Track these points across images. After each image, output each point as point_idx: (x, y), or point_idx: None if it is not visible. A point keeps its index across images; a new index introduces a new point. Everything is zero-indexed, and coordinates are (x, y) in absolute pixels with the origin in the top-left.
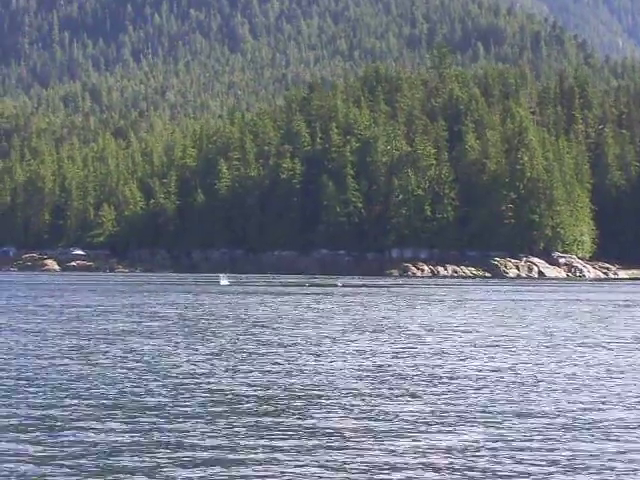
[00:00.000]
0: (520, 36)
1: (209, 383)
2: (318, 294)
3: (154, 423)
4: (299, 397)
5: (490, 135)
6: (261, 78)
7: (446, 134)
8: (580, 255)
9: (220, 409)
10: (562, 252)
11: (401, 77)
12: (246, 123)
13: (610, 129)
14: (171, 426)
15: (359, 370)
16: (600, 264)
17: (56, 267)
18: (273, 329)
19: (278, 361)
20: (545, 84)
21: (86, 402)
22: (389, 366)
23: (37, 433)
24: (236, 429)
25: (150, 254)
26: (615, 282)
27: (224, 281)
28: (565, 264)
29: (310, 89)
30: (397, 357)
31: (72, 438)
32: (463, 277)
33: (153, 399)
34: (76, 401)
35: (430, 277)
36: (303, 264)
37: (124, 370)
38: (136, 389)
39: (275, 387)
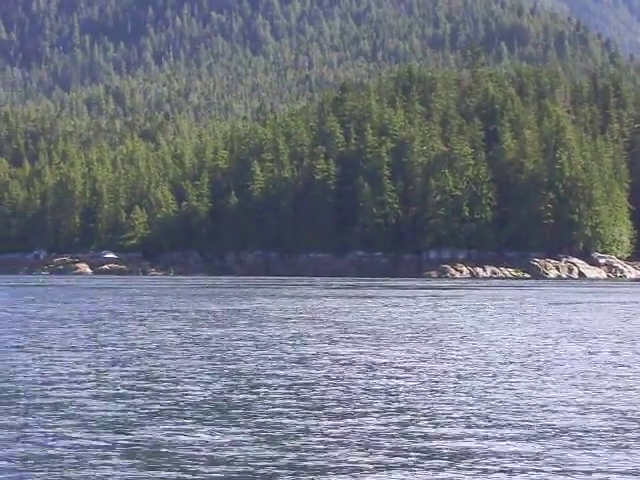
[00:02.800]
0: (544, 36)
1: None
2: (443, 295)
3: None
4: None
5: (527, 134)
6: (284, 80)
7: (482, 134)
8: (619, 255)
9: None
10: (602, 252)
11: (435, 77)
12: (278, 124)
13: None
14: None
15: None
16: None
17: (88, 270)
18: (459, 334)
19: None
20: (577, 83)
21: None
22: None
23: None
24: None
25: (183, 257)
26: None
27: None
28: (605, 264)
29: (342, 90)
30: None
31: None
32: (503, 278)
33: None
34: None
35: (469, 278)
36: (339, 266)
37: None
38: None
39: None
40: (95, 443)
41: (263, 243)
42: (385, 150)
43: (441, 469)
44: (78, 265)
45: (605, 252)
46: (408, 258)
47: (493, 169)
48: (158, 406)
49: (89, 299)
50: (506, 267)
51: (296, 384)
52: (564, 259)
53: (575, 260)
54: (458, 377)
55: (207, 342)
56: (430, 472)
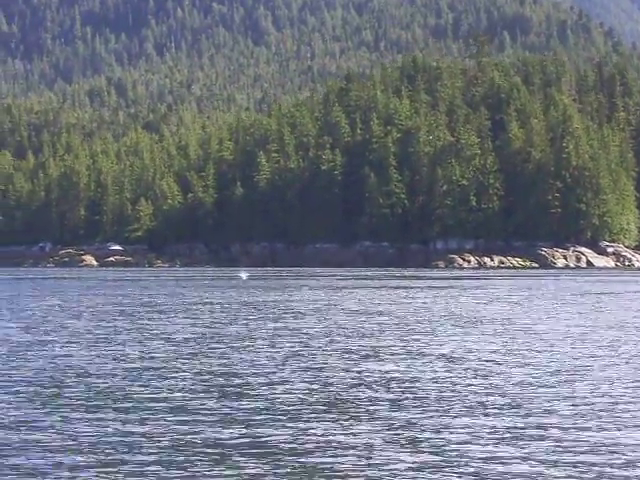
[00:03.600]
0: (546, 25)
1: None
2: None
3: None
4: None
5: (534, 124)
6: (286, 70)
7: (488, 123)
8: (627, 244)
9: None
10: (609, 241)
11: (440, 66)
12: (283, 115)
13: None
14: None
15: None
16: None
17: (94, 263)
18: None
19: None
20: (582, 72)
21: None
22: None
23: None
24: None
25: (188, 248)
26: None
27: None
28: (613, 253)
29: (347, 80)
30: None
31: None
32: (510, 268)
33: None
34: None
35: (477, 268)
36: (345, 257)
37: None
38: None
39: None
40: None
41: (269, 234)
42: (391, 140)
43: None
44: (84, 257)
45: (613, 241)
46: (415, 248)
47: (500, 158)
48: (262, 403)
49: (136, 291)
50: (513, 257)
51: (395, 378)
52: (572, 248)
53: (583, 249)
54: (556, 370)
55: (276, 335)
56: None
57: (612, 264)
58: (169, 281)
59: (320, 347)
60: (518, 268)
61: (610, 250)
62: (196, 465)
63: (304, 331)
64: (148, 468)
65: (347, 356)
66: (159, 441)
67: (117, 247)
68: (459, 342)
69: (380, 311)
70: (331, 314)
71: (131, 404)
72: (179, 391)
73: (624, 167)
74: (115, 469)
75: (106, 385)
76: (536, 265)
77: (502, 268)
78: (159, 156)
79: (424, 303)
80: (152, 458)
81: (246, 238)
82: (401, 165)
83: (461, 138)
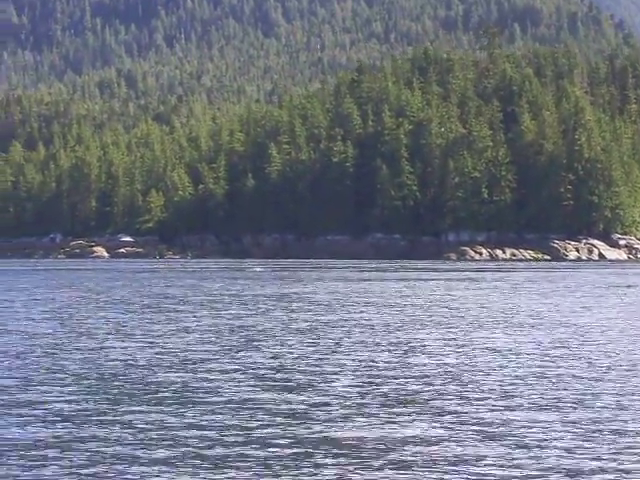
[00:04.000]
0: (557, 17)
1: None
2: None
3: None
4: None
5: (546, 116)
6: (296, 62)
7: (500, 115)
8: (639, 236)
9: None
10: (621, 234)
11: (452, 58)
12: (294, 106)
13: None
14: None
15: None
16: None
17: (105, 254)
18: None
19: None
20: (593, 64)
21: None
22: None
23: None
24: None
25: (199, 240)
26: None
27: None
28: (625, 246)
29: (359, 71)
30: None
31: None
32: (522, 260)
33: None
34: None
35: (489, 261)
36: (357, 249)
37: None
38: None
39: None
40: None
41: (280, 226)
42: (403, 132)
43: None
44: (95, 249)
45: (625, 233)
46: (427, 240)
47: (512, 151)
48: (324, 397)
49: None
50: (525, 249)
51: (459, 372)
52: (584, 241)
53: (595, 242)
54: (615, 364)
55: (326, 327)
56: None
57: (624, 257)
58: (186, 273)
59: (376, 340)
60: (530, 260)
61: (622, 242)
62: (273, 462)
63: (351, 323)
64: (226, 463)
65: (405, 349)
66: (232, 436)
67: (128, 238)
68: (512, 335)
69: (424, 303)
70: (380, 307)
71: (192, 398)
72: (239, 385)
73: (636, 159)
74: (191, 467)
75: (165, 378)
76: (548, 257)
77: (514, 260)
78: (170, 147)
79: (464, 296)
80: (228, 453)
81: (257, 230)
82: (413, 157)
83: (473, 130)
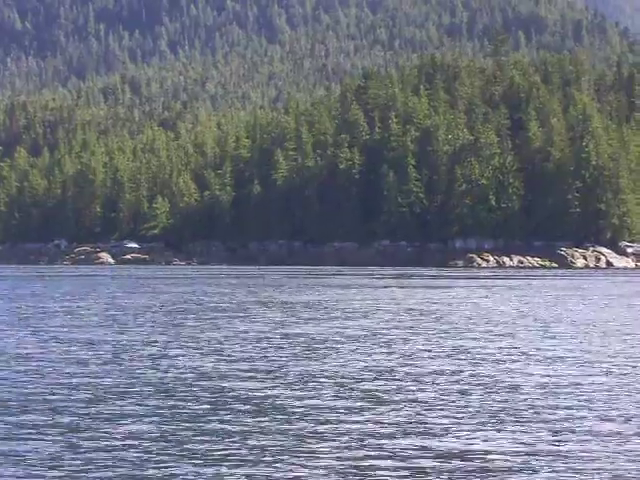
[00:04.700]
0: (561, 24)
1: None
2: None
3: None
4: None
5: (554, 123)
6: (301, 69)
7: (508, 122)
8: None
9: None
10: (629, 241)
11: (459, 65)
12: (301, 113)
13: None
14: None
15: None
16: None
17: (110, 260)
18: None
19: None
20: (600, 71)
21: None
22: None
23: None
24: None
25: (205, 246)
26: None
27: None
28: (633, 253)
29: (365, 78)
30: None
31: None
32: (530, 268)
33: None
34: None
35: (497, 268)
36: (364, 256)
37: None
38: None
39: None
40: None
41: (287, 232)
42: (410, 138)
43: None
44: (100, 255)
45: (632, 241)
46: (434, 247)
47: (519, 158)
48: (402, 412)
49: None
50: (533, 256)
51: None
52: (591, 248)
53: (602, 249)
54: None
55: (361, 336)
56: None
57: (632, 265)
58: (205, 279)
59: (433, 349)
60: (537, 268)
61: (630, 250)
62: (373, 472)
63: (393, 331)
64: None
65: (461, 358)
66: (331, 442)
67: (134, 245)
68: (559, 343)
69: (456, 311)
70: (416, 314)
71: (263, 407)
72: (319, 394)
73: None
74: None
75: (232, 387)
76: (555, 265)
77: (521, 268)
78: (175, 154)
79: (495, 303)
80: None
81: (263, 236)
82: (420, 164)
83: (480, 137)
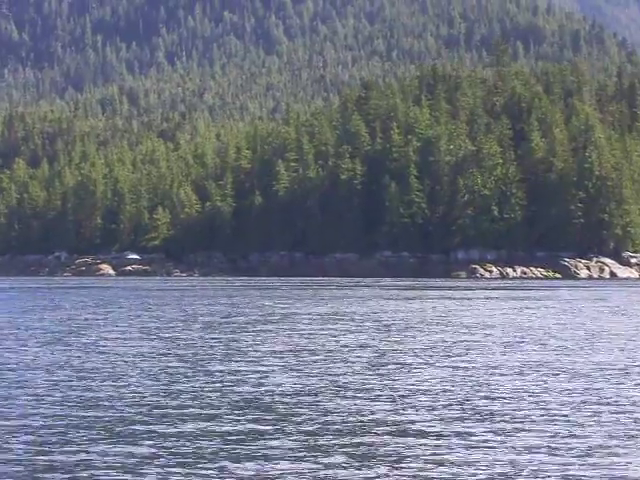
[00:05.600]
0: (559, 35)
1: None
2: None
3: None
4: None
5: (556, 133)
6: (299, 80)
7: (510, 132)
8: None
9: None
10: (632, 252)
11: (460, 75)
12: (301, 123)
13: None
14: None
15: None
16: None
17: (111, 272)
18: None
19: None
20: (601, 81)
21: None
22: None
23: None
24: None
25: (206, 258)
26: None
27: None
28: (637, 264)
29: (366, 88)
30: None
31: None
32: (533, 278)
33: None
34: None
35: (500, 279)
36: (366, 267)
37: None
38: None
39: None
40: None
41: (288, 243)
42: (412, 149)
43: None
44: (100, 266)
45: (636, 252)
46: (436, 258)
47: (522, 168)
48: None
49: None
50: (536, 267)
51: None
52: (595, 259)
53: (606, 260)
54: None
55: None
56: None
57: (636, 275)
58: (218, 291)
59: (486, 362)
60: (541, 279)
61: (634, 261)
62: None
63: (429, 345)
64: None
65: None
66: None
67: (134, 256)
68: (599, 356)
69: (489, 325)
70: (464, 327)
71: (327, 419)
72: (391, 408)
73: None
74: None
75: (296, 401)
76: (559, 276)
77: (524, 279)
78: (176, 165)
79: (533, 315)
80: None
81: (265, 247)
82: (422, 174)
83: (482, 147)
